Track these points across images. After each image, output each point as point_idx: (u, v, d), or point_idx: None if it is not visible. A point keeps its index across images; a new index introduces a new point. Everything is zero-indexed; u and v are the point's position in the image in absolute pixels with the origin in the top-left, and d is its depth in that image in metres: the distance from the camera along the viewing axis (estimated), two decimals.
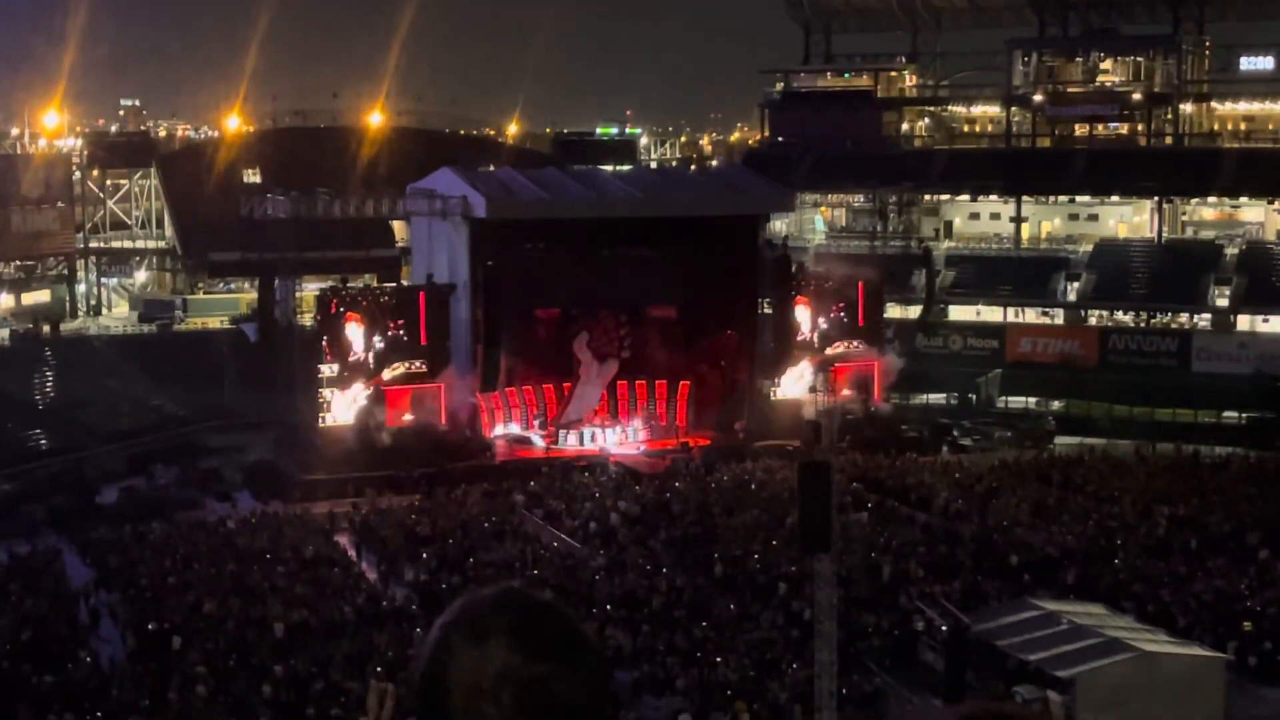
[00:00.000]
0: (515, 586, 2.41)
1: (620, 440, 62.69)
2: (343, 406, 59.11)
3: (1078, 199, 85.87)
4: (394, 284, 63.42)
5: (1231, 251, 78.85)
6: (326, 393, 58.94)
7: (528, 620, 2.31)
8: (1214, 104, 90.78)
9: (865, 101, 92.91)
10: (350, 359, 59.40)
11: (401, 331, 60.55)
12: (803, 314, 67.30)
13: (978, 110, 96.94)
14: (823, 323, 67.53)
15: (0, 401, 63.86)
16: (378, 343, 59.93)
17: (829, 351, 66.73)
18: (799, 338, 67.01)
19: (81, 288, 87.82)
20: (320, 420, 58.87)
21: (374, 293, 63.12)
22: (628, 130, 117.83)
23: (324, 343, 59.26)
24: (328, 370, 58.97)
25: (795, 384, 65.41)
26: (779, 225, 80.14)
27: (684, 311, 65.86)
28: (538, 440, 63.18)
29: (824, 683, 30.81)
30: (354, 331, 59.63)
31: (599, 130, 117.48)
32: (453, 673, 2.25)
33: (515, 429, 63.76)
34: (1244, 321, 74.64)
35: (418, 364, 60.60)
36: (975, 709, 2.45)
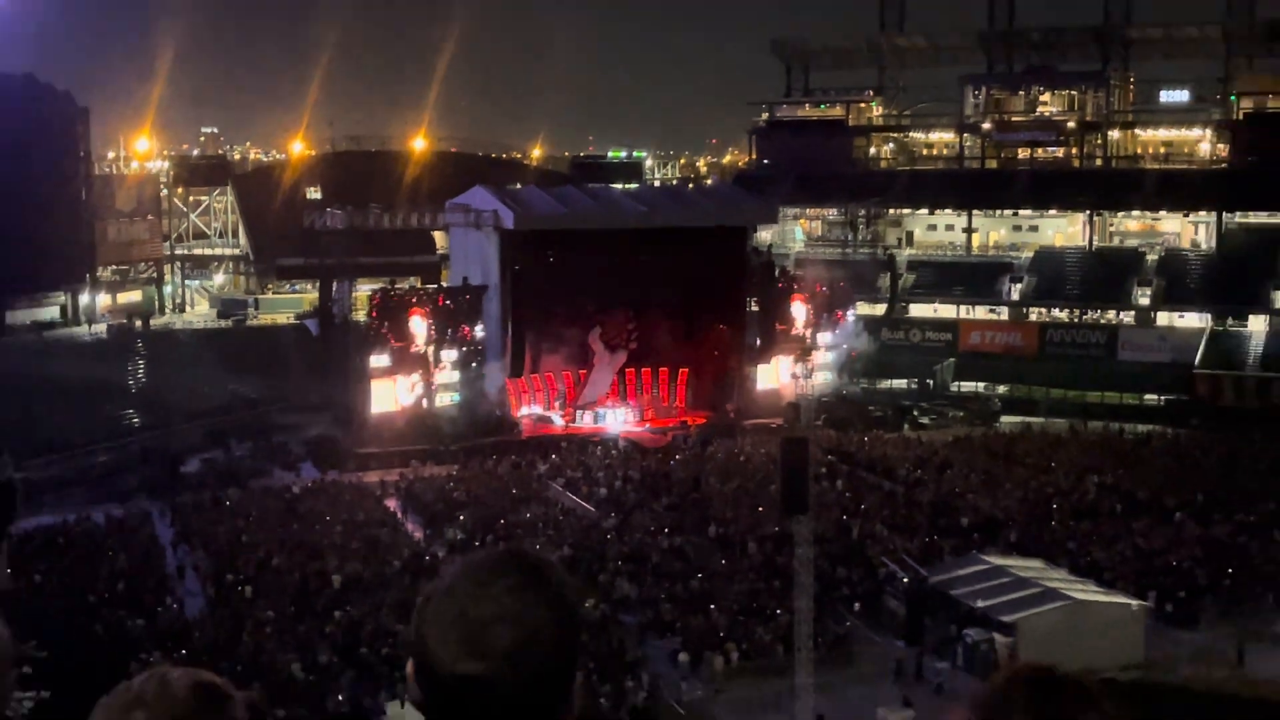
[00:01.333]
0: (509, 546, 2.28)
1: (626, 420, 62.68)
2: (400, 390, 59.15)
3: (1020, 212, 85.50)
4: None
5: (1152, 258, 78.60)
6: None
7: (486, 571, 2.14)
8: (1138, 131, 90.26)
9: (838, 129, 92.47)
10: (411, 350, 59.31)
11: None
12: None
13: (935, 136, 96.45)
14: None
15: (99, 386, 63.76)
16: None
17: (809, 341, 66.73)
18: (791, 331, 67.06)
19: (168, 289, 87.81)
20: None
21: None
22: (635, 154, 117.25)
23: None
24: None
25: (780, 370, 65.33)
26: (764, 235, 79.96)
27: (683, 309, 65.72)
28: (558, 419, 63.12)
29: (802, 626, 30.79)
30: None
31: (610, 154, 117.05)
32: (426, 620, 2.13)
33: (538, 409, 63.72)
34: (1163, 318, 74.43)
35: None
36: (1023, 668, 2.17)
